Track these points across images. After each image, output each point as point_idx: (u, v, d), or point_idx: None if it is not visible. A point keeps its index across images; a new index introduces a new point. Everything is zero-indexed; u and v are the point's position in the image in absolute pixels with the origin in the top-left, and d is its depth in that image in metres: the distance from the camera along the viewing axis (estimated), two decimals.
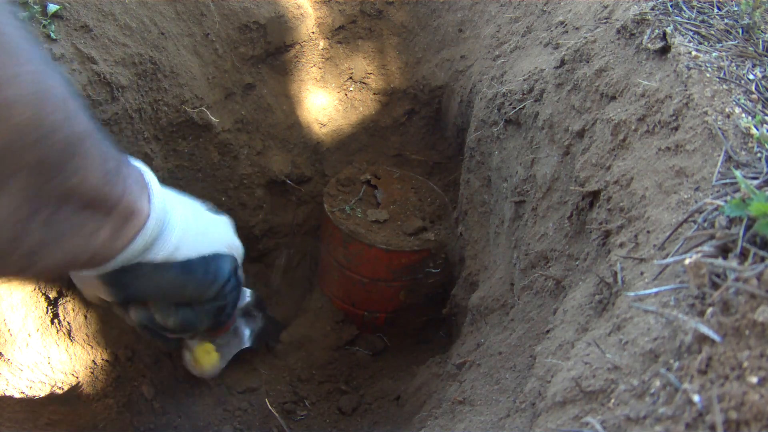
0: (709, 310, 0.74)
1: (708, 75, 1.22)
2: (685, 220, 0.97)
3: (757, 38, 1.42)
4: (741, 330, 0.68)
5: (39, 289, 2.17)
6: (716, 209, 0.92)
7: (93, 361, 2.44)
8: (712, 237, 0.86)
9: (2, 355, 2.12)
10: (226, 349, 1.92)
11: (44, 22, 2.04)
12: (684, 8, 1.49)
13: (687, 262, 0.81)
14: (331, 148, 3.26)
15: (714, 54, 1.30)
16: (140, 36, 2.31)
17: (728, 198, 0.92)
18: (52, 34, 2.04)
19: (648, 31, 1.44)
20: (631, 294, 0.96)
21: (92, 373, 2.42)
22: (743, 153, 1.04)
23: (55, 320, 2.27)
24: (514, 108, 2.02)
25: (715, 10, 1.51)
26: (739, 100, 1.15)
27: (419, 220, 2.84)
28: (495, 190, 2.25)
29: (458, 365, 1.86)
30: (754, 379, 0.63)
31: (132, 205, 0.97)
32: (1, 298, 2.06)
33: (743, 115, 1.11)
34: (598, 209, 1.38)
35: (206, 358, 1.70)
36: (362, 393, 2.76)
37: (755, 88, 1.20)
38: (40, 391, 2.20)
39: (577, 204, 1.51)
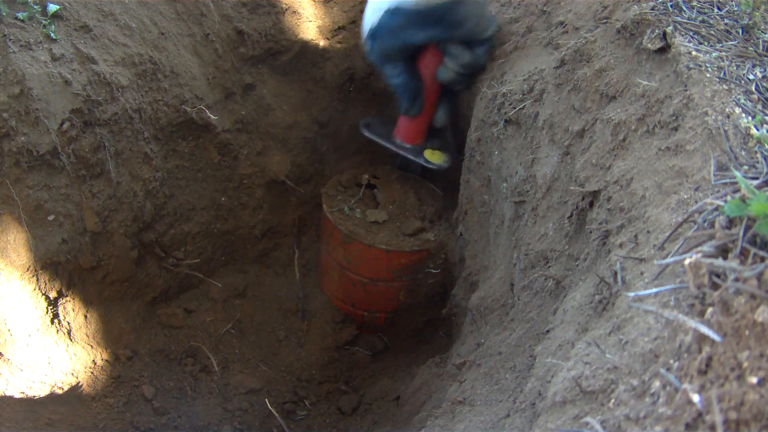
0: (709, 310, 0.74)
1: (708, 75, 1.22)
2: (685, 220, 0.97)
3: (757, 38, 1.42)
4: (741, 330, 0.68)
5: (39, 289, 2.17)
6: (716, 209, 0.92)
7: (93, 361, 2.44)
8: (712, 237, 0.86)
9: (2, 355, 2.12)
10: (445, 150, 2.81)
11: (44, 22, 2.04)
12: (684, 8, 1.49)
13: (687, 262, 0.81)
14: (331, 148, 3.26)
15: (714, 54, 1.30)
16: (140, 36, 2.31)
17: (728, 198, 0.92)
18: (52, 34, 2.04)
19: (648, 31, 1.44)
20: (631, 294, 0.96)
21: (92, 373, 2.42)
22: (743, 153, 1.04)
23: (55, 320, 2.28)
24: (514, 108, 2.02)
25: (715, 10, 1.51)
26: (739, 100, 1.15)
27: (418, 221, 2.84)
28: (495, 190, 2.25)
29: (458, 365, 1.86)
30: (753, 380, 0.63)
31: None
32: (1, 298, 2.06)
33: (743, 115, 1.11)
34: (598, 209, 1.38)
35: (435, 156, 2.76)
36: (362, 393, 2.76)
37: (755, 88, 1.20)
38: (40, 391, 2.20)
39: (577, 204, 1.51)
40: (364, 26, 2.35)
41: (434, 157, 2.76)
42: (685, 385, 0.68)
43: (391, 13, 2.20)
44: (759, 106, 1.15)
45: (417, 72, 2.49)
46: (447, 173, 3.02)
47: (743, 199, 0.85)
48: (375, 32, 2.28)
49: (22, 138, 1.97)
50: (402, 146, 2.79)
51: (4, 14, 1.95)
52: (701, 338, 0.72)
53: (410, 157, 2.78)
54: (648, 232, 1.09)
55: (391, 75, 2.42)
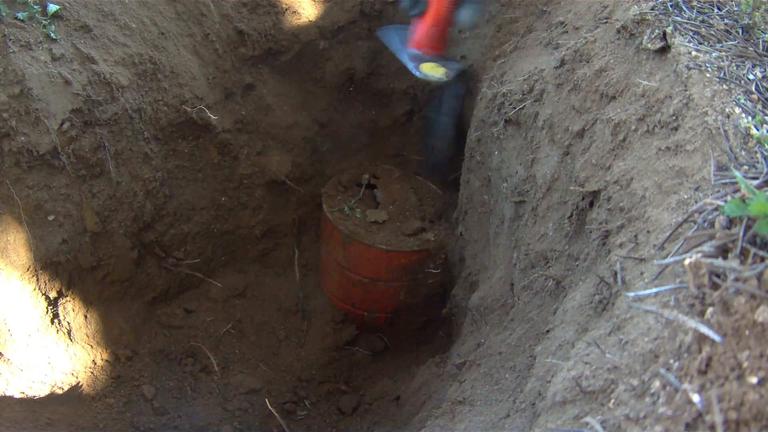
0: (709, 310, 0.74)
1: (708, 75, 1.22)
2: (685, 220, 0.97)
3: (757, 38, 1.42)
4: (741, 330, 0.68)
5: (39, 289, 2.17)
6: (716, 209, 0.92)
7: (93, 361, 2.44)
8: (712, 237, 0.86)
9: (2, 355, 2.12)
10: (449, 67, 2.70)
11: (44, 22, 2.04)
12: (684, 8, 1.49)
13: (687, 262, 0.81)
14: (331, 148, 3.26)
15: (714, 54, 1.30)
16: (140, 36, 2.31)
17: (728, 198, 0.92)
18: (52, 34, 2.04)
19: (648, 31, 1.44)
20: (631, 294, 0.96)
21: (92, 373, 2.42)
22: (743, 153, 1.04)
23: (55, 320, 2.28)
24: (514, 108, 2.02)
25: (715, 10, 1.51)
26: (739, 100, 1.15)
27: (418, 221, 2.84)
28: (495, 190, 2.25)
29: (458, 365, 1.86)
30: (753, 380, 0.63)
31: None
32: (1, 298, 2.06)
33: (743, 115, 1.11)
34: (598, 209, 1.38)
35: (438, 71, 2.65)
36: (362, 393, 2.76)
37: (755, 88, 1.20)
38: (40, 391, 2.20)
39: (577, 204, 1.51)
40: None
41: (435, 71, 2.64)
42: (685, 385, 0.68)
43: None
44: (759, 106, 1.15)
45: None
46: (448, 159, 3.00)
47: (743, 199, 0.85)
48: None
49: (22, 138, 1.97)
50: (410, 54, 2.68)
51: (4, 14, 1.95)
52: (701, 338, 0.72)
53: (406, 65, 2.70)
54: (648, 232, 1.09)
55: None
